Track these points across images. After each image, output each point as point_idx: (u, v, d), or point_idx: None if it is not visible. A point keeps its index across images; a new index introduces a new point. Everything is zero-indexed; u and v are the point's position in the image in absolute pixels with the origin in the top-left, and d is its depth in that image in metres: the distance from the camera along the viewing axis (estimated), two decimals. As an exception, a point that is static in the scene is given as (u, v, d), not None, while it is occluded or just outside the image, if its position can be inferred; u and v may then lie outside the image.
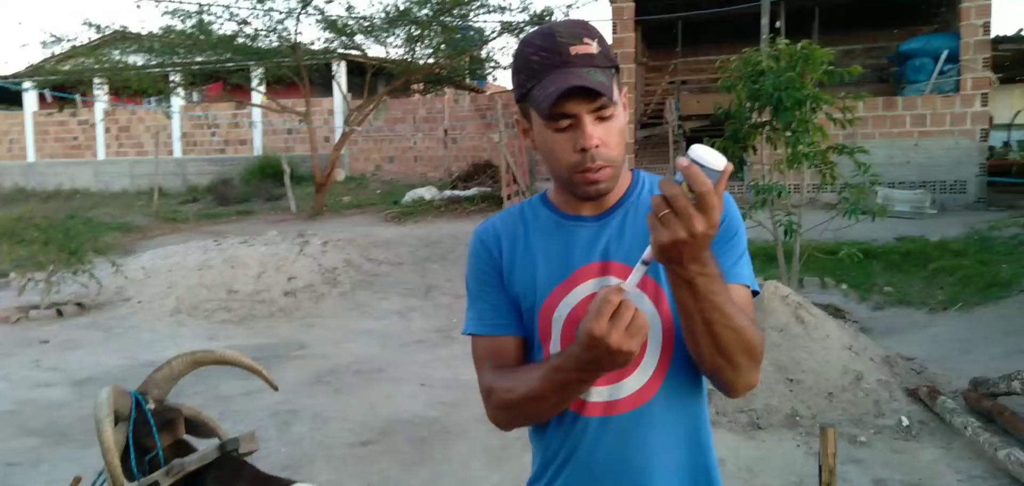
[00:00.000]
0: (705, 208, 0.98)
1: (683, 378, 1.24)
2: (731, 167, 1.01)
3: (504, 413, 1.27)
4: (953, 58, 13.57)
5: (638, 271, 1.07)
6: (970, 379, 4.71)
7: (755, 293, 1.26)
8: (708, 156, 1.00)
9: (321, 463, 4.15)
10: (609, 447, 1.23)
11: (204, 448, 2.00)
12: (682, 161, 0.99)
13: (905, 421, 4.28)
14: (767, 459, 3.98)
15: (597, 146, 1.17)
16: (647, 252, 1.05)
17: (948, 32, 14.19)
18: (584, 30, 1.19)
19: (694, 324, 1.11)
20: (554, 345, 1.26)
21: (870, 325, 6.93)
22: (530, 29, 14.96)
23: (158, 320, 8.04)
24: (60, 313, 8.26)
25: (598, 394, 1.23)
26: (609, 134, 1.19)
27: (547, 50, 1.17)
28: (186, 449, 2.02)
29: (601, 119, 1.18)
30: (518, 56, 1.22)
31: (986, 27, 13.26)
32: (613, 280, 1.20)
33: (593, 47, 1.17)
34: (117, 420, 1.95)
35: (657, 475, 1.23)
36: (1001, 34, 14.25)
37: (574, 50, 1.16)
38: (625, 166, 1.28)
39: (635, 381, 1.22)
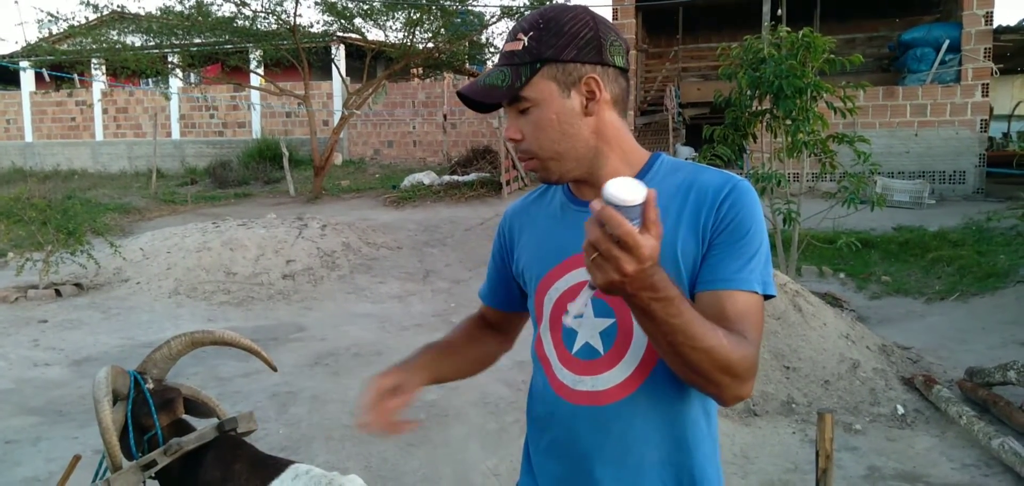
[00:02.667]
0: (629, 248, 0.91)
1: (669, 375, 1.19)
2: (654, 193, 0.92)
3: None
4: (954, 48, 13.51)
5: (585, 294, 1.02)
6: (966, 368, 4.74)
7: (769, 296, 1.16)
8: (621, 193, 0.90)
9: (319, 444, 4.16)
10: (591, 436, 1.23)
11: (203, 428, 2.01)
12: (595, 205, 0.91)
13: (900, 410, 4.30)
14: (763, 446, 4.00)
15: (514, 140, 1.20)
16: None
17: (950, 22, 14.13)
18: (530, 24, 1.17)
19: (660, 346, 1.06)
20: (545, 326, 1.29)
21: (867, 314, 6.95)
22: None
23: (156, 301, 8.04)
24: (58, 293, 8.25)
25: (582, 384, 1.23)
26: (527, 128, 1.19)
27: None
28: (185, 429, 2.03)
29: (522, 112, 1.18)
30: None
31: (988, 17, 13.21)
32: None
33: (520, 43, 1.16)
34: (116, 399, 1.96)
35: (639, 468, 1.21)
36: (1003, 24, 14.20)
37: (505, 47, 1.19)
38: (633, 149, 1.24)
39: (618, 374, 1.21)
